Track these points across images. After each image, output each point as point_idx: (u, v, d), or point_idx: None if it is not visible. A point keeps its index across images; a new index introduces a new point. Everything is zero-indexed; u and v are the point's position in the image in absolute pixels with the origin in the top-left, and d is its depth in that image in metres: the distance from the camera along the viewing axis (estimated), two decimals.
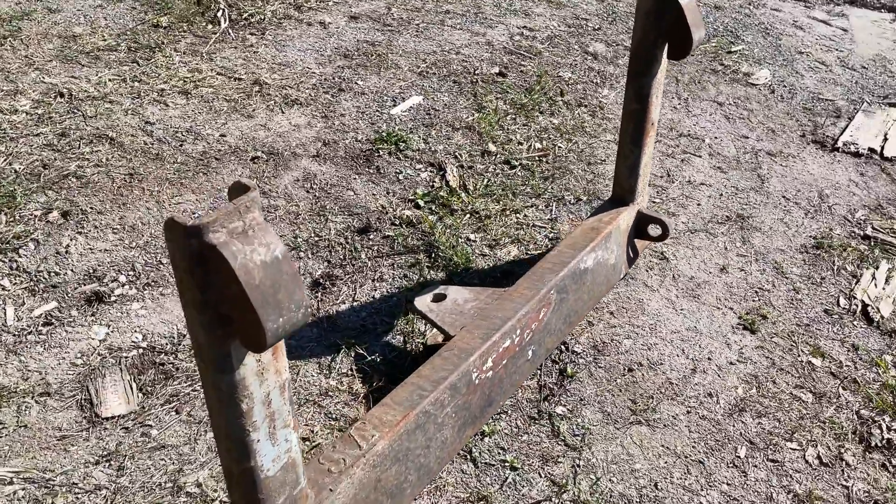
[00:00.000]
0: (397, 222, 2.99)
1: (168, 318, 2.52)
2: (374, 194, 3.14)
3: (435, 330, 2.50)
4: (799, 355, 2.58)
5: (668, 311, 2.71)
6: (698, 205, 3.30)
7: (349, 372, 2.35)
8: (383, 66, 4.08)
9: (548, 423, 2.26)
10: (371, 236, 2.92)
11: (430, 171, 3.31)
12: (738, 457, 2.21)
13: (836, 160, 3.72)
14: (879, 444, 2.27)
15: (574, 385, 2.39)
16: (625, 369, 2.45)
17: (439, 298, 2.40)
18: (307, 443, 2.13)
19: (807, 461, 2.21)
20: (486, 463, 2.13)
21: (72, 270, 2.65)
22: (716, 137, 3.80)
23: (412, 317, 2.57)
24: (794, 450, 2.25)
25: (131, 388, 2.25)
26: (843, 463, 2.22)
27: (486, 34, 4.57)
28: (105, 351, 2.37)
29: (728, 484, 2.13)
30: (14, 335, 2.39)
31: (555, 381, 2.40)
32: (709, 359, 2.53)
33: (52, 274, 2.62)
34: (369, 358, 2.40)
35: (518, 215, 3.09)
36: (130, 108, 3.50)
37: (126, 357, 2.36)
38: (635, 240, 2.85)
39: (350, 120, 3.60)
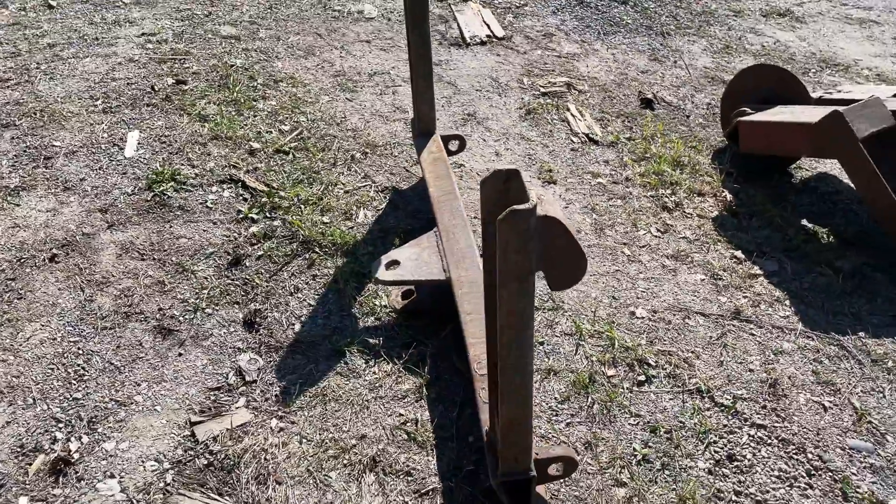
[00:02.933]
0: (255, 241, 3.00)
1: (157, 431, 2.28)
2: (204, 230, 3.04)
3: (393, 294, 2.76)
4: (590, 182, 3.52)
5: None
6: (438, 119, 3.94)
7: (367, 364, 2.51)
8: (59, 118, 3.65)
9: None
10: (248, 263, 2.90)
11: (230, 187, 3.29)
12: (629, 255, 3.07)
13: (476, 52, 4.70)
14: (674, 206, 3.37)
15: None
16: None
17: (393, 265, 2.66)
18: (416, 425, 2.31)
19: (656, 236, 3.19)
20: None
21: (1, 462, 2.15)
22: (393, 68, 4.43)
23: (362, 297, 2.76)
24: (645, 233, 3.20)
25: (213, 499, 2.09)
26: (670, 226, 3.26)
27: (118, 52, 4.32)
28: (140, 495, 2.10)
29: (637, 270, 2.99)
30: None
31: None
32: None
33: None
34: (372, 342, 2.58)
35: (337, 187, 3.34)
36: None
37: (168, 484, 2.13)
38: None
39: (97, 180, 3.26)
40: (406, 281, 2.59)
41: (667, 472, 2.19)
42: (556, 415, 2.36)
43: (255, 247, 2.96)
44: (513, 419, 1.75)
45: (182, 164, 3.36)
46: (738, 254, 3.10)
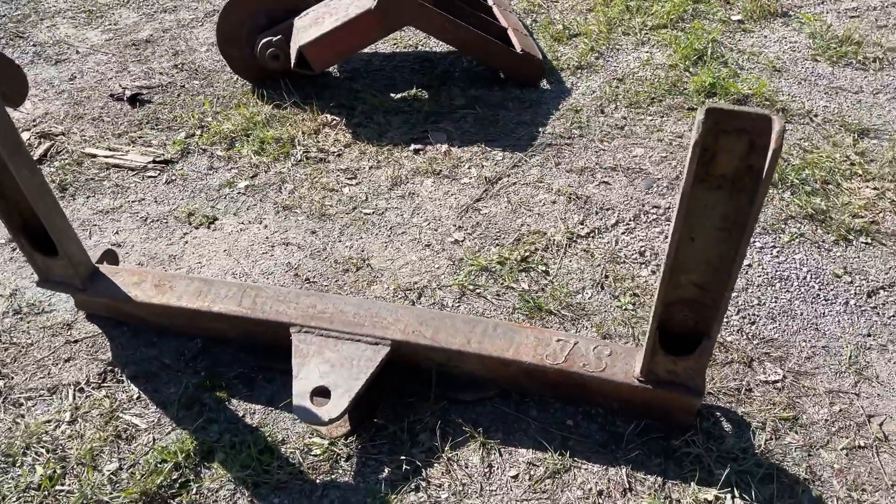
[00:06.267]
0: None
1: None
2: None
3: (322, 429, 2.15)
4: (272, 192, 3.05)
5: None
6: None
7: (422, 489, 2.02)
8: None
9: None
10: None
11: None
12: (377, 210, 2.92)
13: None
14: (326, 154, 3.21)
15: None
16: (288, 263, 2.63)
17: (321, 394, 2.05)
18: None
19: (356, 184, 3.06)
20: None
21: None
22: None
23: (306, 464, 2.07)
24: (347, 188, 3.04)
25: None
26: (351, 169, 3.14)
27: None
28: None
29: (407, 214, 2.90)
30: None
31: None
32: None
33: None
34: (389, 474, 2.05)
35: (55, 432, 2.19)
36: None
37: None
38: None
39: None
40: (360, 393, 2.04)
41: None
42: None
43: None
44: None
45: None
46: (415, 146, 3.22)
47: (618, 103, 3.40)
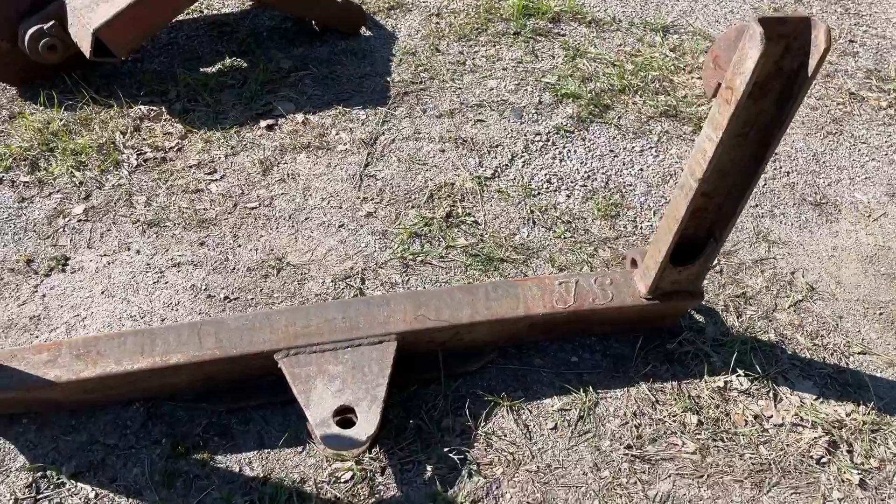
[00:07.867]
0: None
1: None
2: None
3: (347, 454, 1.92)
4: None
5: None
6: None
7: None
8: None
9: None
10: None
11: None
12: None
13: None
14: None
15: None
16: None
17: (345, 414, 1.82)
18: None
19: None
20: None
21: None
22: None
23: (330, 490, 1.84)
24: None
25: None
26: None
27: None
28: None
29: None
30: None
31: None
32: None
33: None
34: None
35: None
36: None
37: None
38: None
39: None
40: (387, 399, 1.85)
41: None
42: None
43: None
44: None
45: None
46: (266, 122, 2.88)
47: (448, 39, 3.34)
